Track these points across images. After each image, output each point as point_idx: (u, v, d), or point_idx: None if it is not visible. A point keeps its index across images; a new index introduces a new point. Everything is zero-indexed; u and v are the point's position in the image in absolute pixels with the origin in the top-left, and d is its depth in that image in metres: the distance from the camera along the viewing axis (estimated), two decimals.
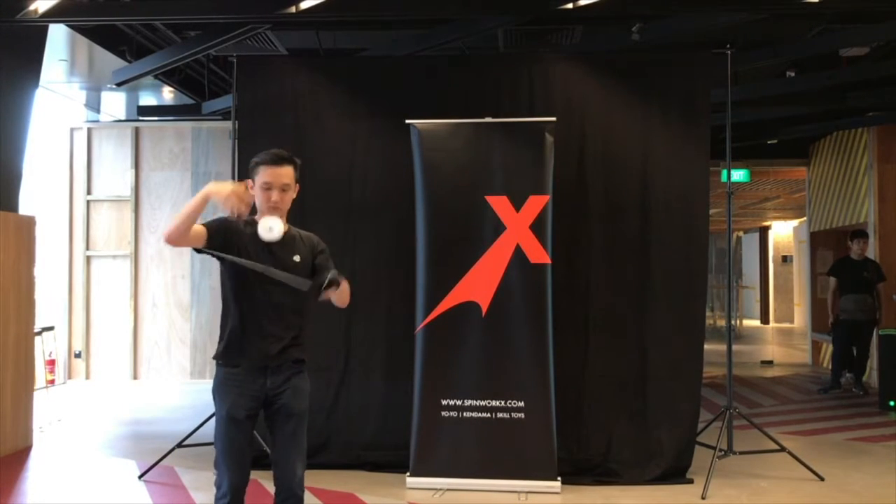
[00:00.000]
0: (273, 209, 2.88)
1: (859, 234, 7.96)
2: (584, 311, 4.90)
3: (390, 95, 5.13)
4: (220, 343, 2.90)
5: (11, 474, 4.94)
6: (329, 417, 5.02)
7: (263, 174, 2.89)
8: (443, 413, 4.59)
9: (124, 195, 8.74)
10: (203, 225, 2.77)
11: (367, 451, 4.95)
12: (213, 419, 2.91)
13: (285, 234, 2.84)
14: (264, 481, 4.65)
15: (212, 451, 4.99)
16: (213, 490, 2.86)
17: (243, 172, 5.16)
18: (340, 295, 2.83)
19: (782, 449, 4.85)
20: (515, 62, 5.33)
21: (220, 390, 2.86)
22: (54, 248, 8.69)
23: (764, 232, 19.20)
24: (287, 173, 2.92)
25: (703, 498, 4.39)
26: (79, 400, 7.65)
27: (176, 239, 2.70)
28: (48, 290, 8.50)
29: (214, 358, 2.90)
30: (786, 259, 17.86)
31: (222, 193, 2.68)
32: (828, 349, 9.54)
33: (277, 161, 2.91)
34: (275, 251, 2.86)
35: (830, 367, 8.42)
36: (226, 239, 2.80)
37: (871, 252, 8.25)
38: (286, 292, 2.84)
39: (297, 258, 2.92)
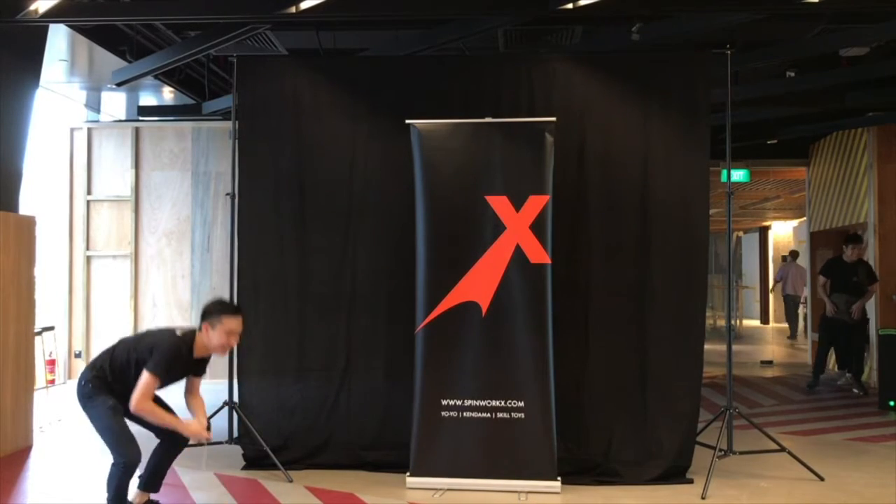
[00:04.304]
0: (225, 349, 3.73)
1: (854, 238, 7.90)
2: (584, 311, 4.90)
3: (390, 95, 5.13)
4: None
5: (11, 474, 4.94)
6: (329, 417, 5.03)
7: (229, 323, 3.67)
8: (443, 413, 4.59)
9: (124, 195, 8.74)
10: (158, 378, 3.60)
11: (368, 451, 4.95)
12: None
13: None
14: (264, 481, 4.65)
15: (212, 452, 4.99)
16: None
17: (243, 172, 5.20)
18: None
19: (782, 449, 4.85)
20: (515, 62, 5.32)
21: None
22: (54, 248, 8.68)
23: (764, 232, 19.20)
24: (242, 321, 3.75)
25: (703, 498, 4.39)
26: None
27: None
28: (48, 290, 8.49)
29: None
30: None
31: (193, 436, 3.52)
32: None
33: (238, 311, 3.71)
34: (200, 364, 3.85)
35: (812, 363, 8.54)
36: (170, 375, 3.68)
37: (871, 252, 8.24)
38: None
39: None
